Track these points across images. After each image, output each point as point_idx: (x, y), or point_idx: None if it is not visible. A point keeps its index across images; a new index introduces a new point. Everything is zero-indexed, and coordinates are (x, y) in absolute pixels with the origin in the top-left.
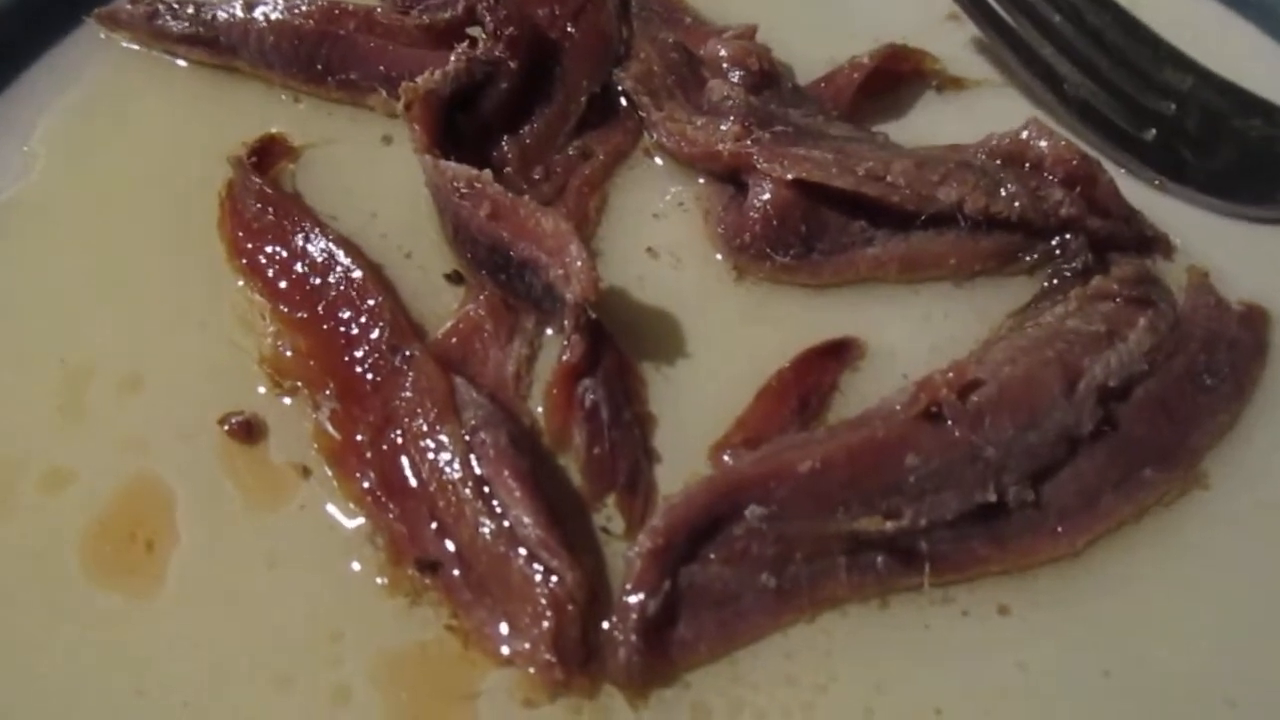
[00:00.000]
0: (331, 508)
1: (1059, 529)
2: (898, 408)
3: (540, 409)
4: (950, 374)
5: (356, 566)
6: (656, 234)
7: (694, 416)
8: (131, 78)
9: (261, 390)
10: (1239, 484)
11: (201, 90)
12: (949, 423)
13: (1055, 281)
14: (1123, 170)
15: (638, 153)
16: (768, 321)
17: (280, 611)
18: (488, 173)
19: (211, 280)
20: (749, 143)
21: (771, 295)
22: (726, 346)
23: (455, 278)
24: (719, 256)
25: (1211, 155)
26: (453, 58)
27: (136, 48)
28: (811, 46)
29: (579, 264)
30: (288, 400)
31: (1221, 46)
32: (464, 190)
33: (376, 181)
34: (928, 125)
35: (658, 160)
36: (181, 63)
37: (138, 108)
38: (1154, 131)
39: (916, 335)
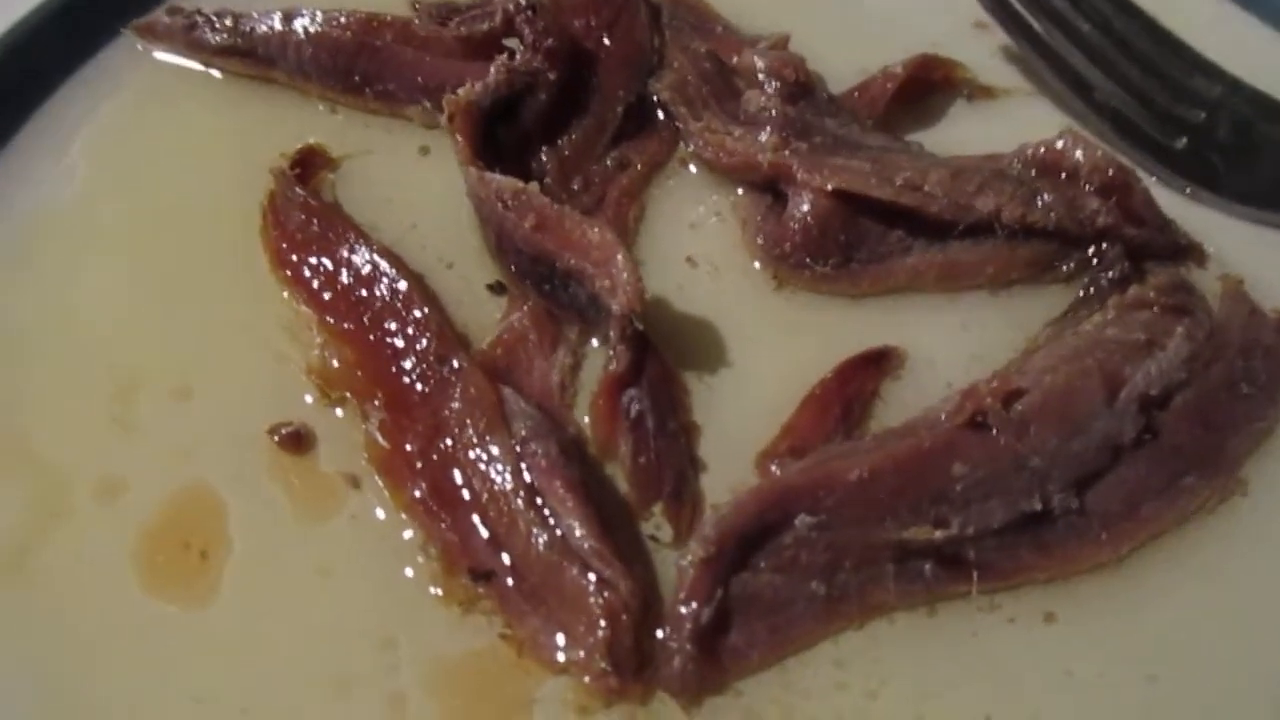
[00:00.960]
0: (382, 517)
1: (1103, 536)
2: (943, 417)
3: (585, 419)
4: (994, 383)
5: (409, 575)
6: (695, 243)
7: (737, 425)
8: (169, 89)
9: (309, 400)
10: (1276, 490)
11: (239, 101)
12: (994, 431)
13: (1092, 290)
14: (1154, 179)
15: (673, 163)
16: (807, 330)
17: (334, 619)
18: (534, 185)
19: (255, 291)
20: (788, 153)
21: (810, 304)
22: (767, 355)
23: (498, 288)
24: (757, 266)
25: (1242, 163)
26: (493, 69)
27: (174, 59)
28: (842, 55)
29: (625, 275)
30: (337, 410)
31: (1249, 55)
32: (509, 202)
33: (415, 192)
34: (959, 134)
35: (693, 169)
36: (217, 74)
37: (176, 119)
38: (1184, 140)
39: (955, 344)
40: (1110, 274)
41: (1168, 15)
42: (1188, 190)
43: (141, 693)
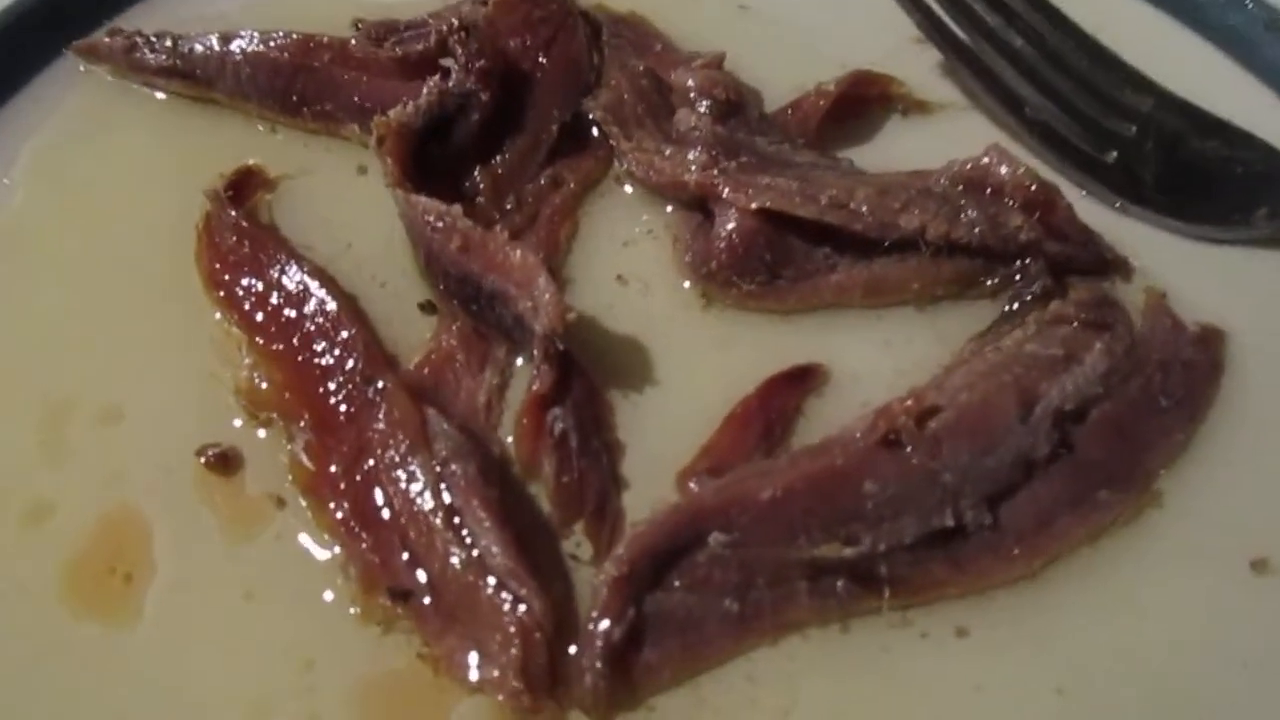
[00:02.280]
0: (306, 538)
1: (1016, 551)
2: (857, 435)
3: (510, 438)
4: (909, 401)
5: (330, 596)
6: (626, 261)
7: (662, 443)
8: (111, 109)
9: (238, 422)
10: (1193, 503)
11: (180, 121)
12: (907, 449)
13: (1016, 305)
14: (1084, 192)
15: (609, 180)
16: (735, 347)
17: (255, 641)
18: (458, 207)
19: (189, 312)
20: (715, 172)
21: (738, 321)
22: (694, 373)
23: (429, 307)
24: (687, 284)
25: (1171, 177)
26: (425, 91)
27: (116, 79)
28: (780, 72)
29: (547, 296)
30: (264, 432)
31: (1182, 68)
32: (435, 223)
33: (352, 212)
34: (894, 149)
35: (628, 188)
36: (160, 95)
37: (117, 139)
38: (1115, 153)
39: (880, 359)
40: (1033, 289)
41: (1103, 28)
42: (1117, 204)
43: (64, 715)
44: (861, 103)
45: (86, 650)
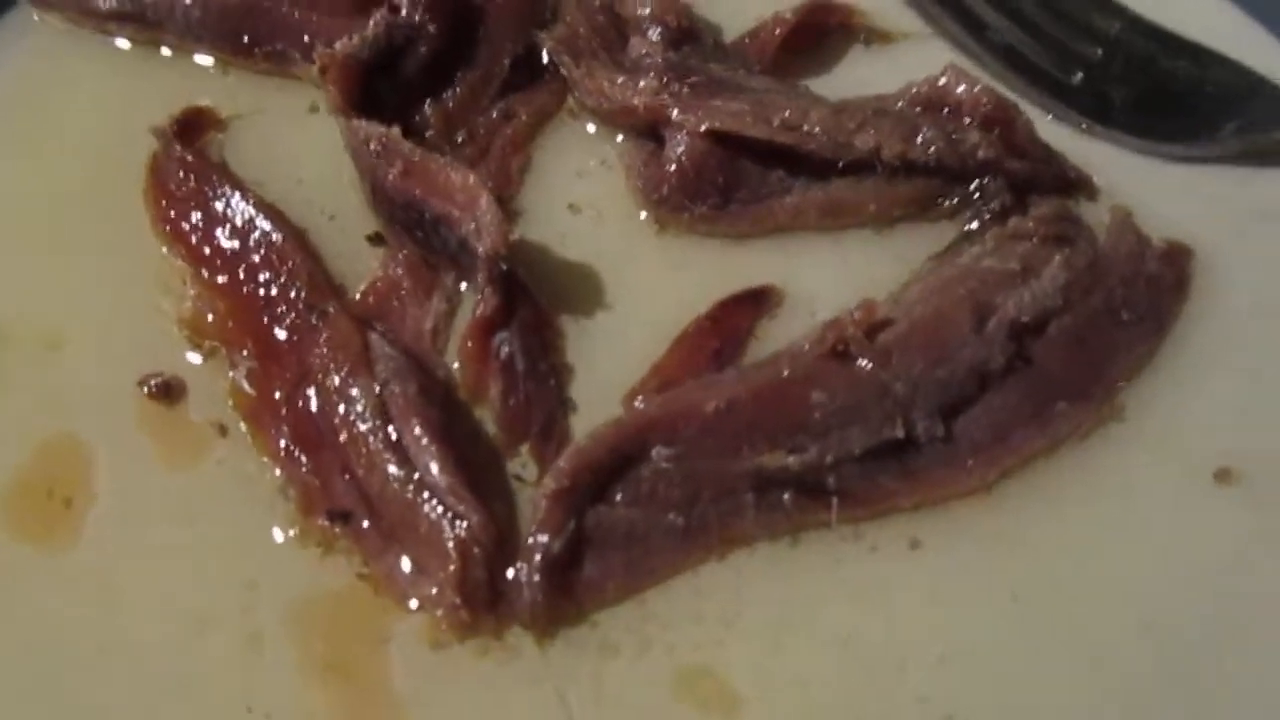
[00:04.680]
0: (248, 464)
1: (970, 462)
2: (806, 347)
3: (457, 364)
4: (858, 313)
5: (270, 520)
6: (580, 192)
7: (613, 367)
8: (64, 57)
9: (182, 353)
10: (1154, 415)
11: (133, 66)
12: (857, 361)
13: (976, 224)
14: (1049, 115)
15: (563, 114)
16: (688, 272)
17: (195, 563)
18: (396, 129)
19: (136, 247)
20: (665, 96)
21: (692, 247)
22: (647, 298)
23: (376, 239)
24: (642, 213)
25: (1138, 97)
26: (371, 22)
27: (69, 28)
28: (739, 3)
29: (489, 217)
30: (206, 361)
31: None
32: (376, 148)
33: (303, 149)
34: (856, 78)
35: (589, 126)
36: (120, 42)
37: (70, 85)
38: (1080, 75)
39: (837, 281)
40: (992, 207)
41: None
42: (1083, 125)
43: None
44: (822, 32)
45: (22, 569)
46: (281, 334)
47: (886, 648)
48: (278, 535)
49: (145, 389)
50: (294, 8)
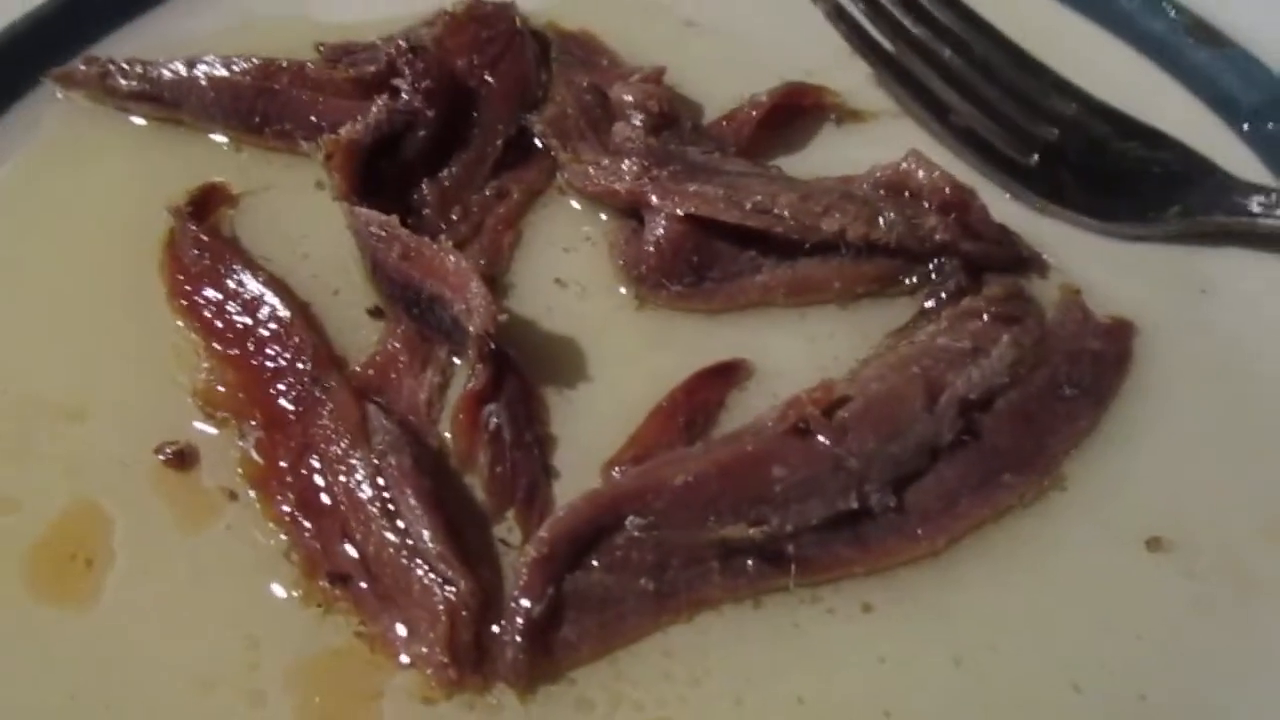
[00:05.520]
0: (254, 529)
1: (919, 531)
2: (769, 424)
3: (450, 433)
4: (817, 392)
5: (275, 582)
6: (566, 267)
7: (593, 436)
8: (85, 132)
9: (195, 422)
10: (1095, 485)
11: (151, 142)
12: (816, 437)
13: (933, 302)
14: (1007, 195)
15: (552, 191)
16: (666, 346)
17: (203, 623)
18: (395, 217)
19: (152, 321)
20: (645, 181)
21: (670, 322)
22: (627, 370)
23: (376, 313)
24: (622, 288)
25: (1091, 178)
26: (372, 110)
27: (90, 105)
28: (723, 85)
29: (479, 299)
30: (218, 430)
31: (1106, 73)
32: (378, 233)
33: (309, 224)
34: (828, 156)
35: (574, 203)
36: (136, 119)
37: (91, 159)
38: (1037, 157)
39: (803, 355)
40: (948, 286)
41: (1029, 36)
42: (1039, 205)
43: (21, 688)
44: (796, 112)
45: (46, 630)
46: (287, 405)
47: (838, 707)
48: (281, 595)
49: (161, 456)
50: (302, 91)
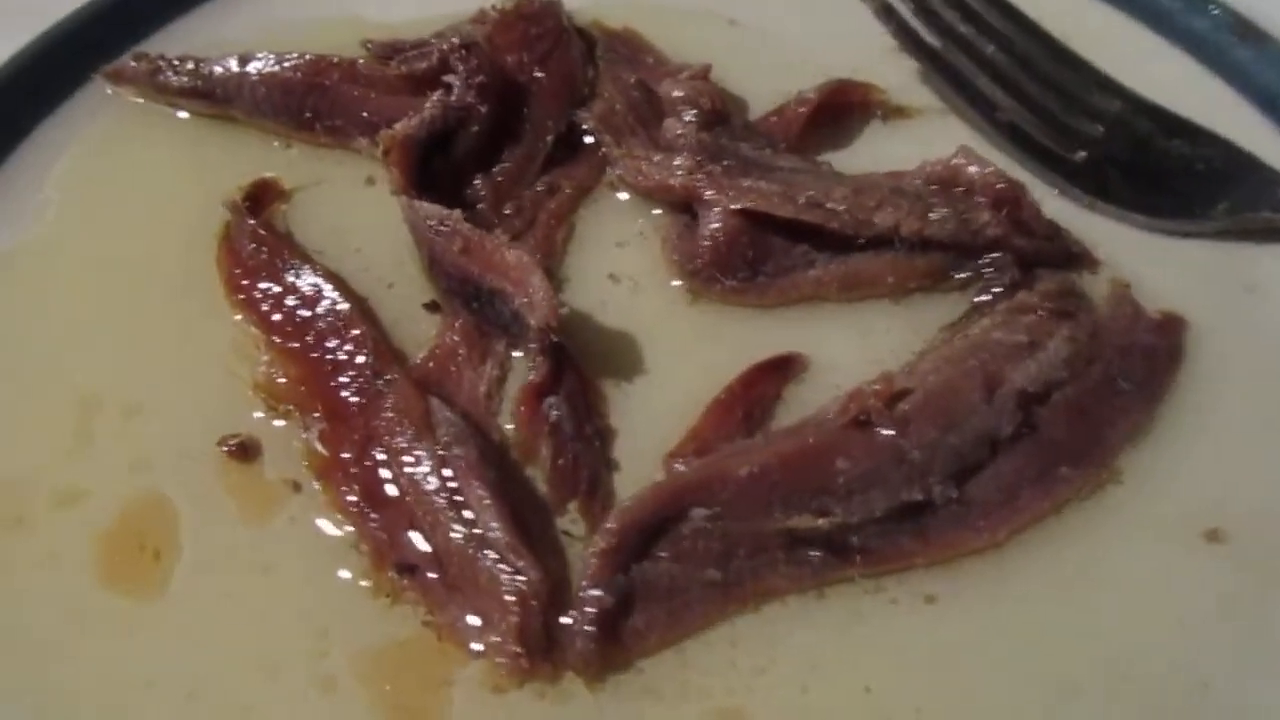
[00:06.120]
0: (319, 519)
1: (981, 523)
2: (830, 416)
3: (510, 425)
4: (878, 384)
5: (343, 572)
6: (619, 261)
7: (651, 429)
8: (136, 129)
9: (256, 414)
10: (1150, 478)
11: (200, 138)
12: (877, 429)
13: (985, 296)
14: (1055, 190)
15: (603, 186)
16: (719, 340)
17: (273, 612)
18: (458, 212)
19: (210, 315)
20: (699, 176)
21: (723, 316)
22: (681, 364)
23: (433, 306)
24: (675, 282)
25: (1137, 175)
26: (427, 105)
27: (140, 101)
28: (767, 82)
29: (541, 293)
30: (280, 422)
31: (1150, 71)
32: (438, 227)
33: (361, 219)
34: (874, 152)
35: (621, 194)
36: (182, 114)
37: (142, 156)
38: (1083, 153)
39: (856, 349)
40: (1001, 281)
41: (1073, 35)
42: (1086, 201)
43: (98, 679)
44: (843, 109)
45: (119, 619)
46: (349, 399)
47: (903, 696)
48: (348, 586)
49: (224, 448)
50: (353, 87)
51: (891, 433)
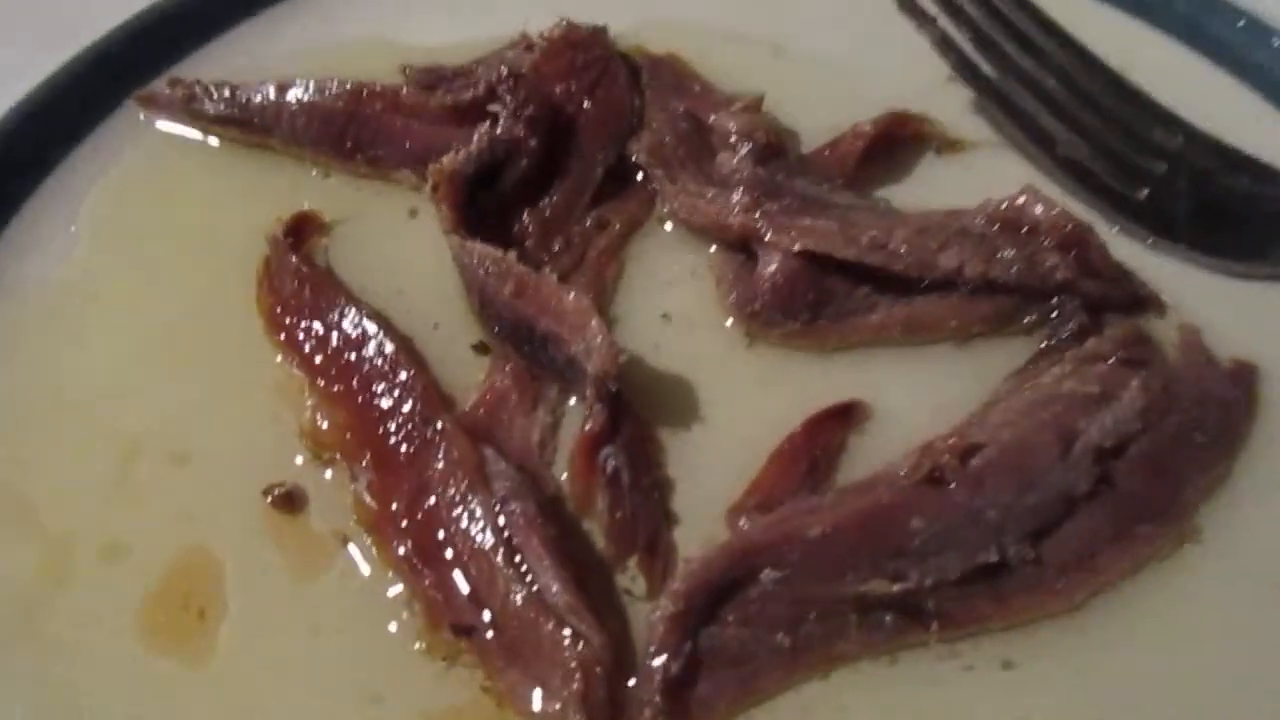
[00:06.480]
0: (370, 574)
1: (1059, 585)
2: (901, 473)
3: (564, 475)
4: (951, 439)
5: (394, 630)
6: (670, 301)
7: (710, 479)
8: (169, 157)
9: (300, 461)
10: (1230, 535)
11: (236, 167)
12: (951, 486)
13: (1052, 343)
14: (1115, 229)
15: (652, 221)
16: (778, 385)
17: (324, 675)
18: (513, 254)
19: (251, 355)
20: (757, 214)
21: (781, 360)
22: (739, 410)
23: (481, 348)
24: (729, 322)
25: (1201, 213)
26: (475, 138)
27: (173, 128)
28: (815, 113)
29: (599, 340)
30: (328, 472)
31: (1211, 105)
32: (490, 268)
33: (404, 254)
34: (928, 187)
35: (669, 227)
36: (215, 142)
37: (176, 186)
38: (1146, 191)
39: (920, 396)
40: (1069, 326)
41: (1132, 67)
42: (1149, 240)
43: None
44: (896, 142)
45: (163, 685)
46: (398, 447)
47: None
48: (401, 647)
49: (269, 498)
50: (396, 116)
51: (966, 491)
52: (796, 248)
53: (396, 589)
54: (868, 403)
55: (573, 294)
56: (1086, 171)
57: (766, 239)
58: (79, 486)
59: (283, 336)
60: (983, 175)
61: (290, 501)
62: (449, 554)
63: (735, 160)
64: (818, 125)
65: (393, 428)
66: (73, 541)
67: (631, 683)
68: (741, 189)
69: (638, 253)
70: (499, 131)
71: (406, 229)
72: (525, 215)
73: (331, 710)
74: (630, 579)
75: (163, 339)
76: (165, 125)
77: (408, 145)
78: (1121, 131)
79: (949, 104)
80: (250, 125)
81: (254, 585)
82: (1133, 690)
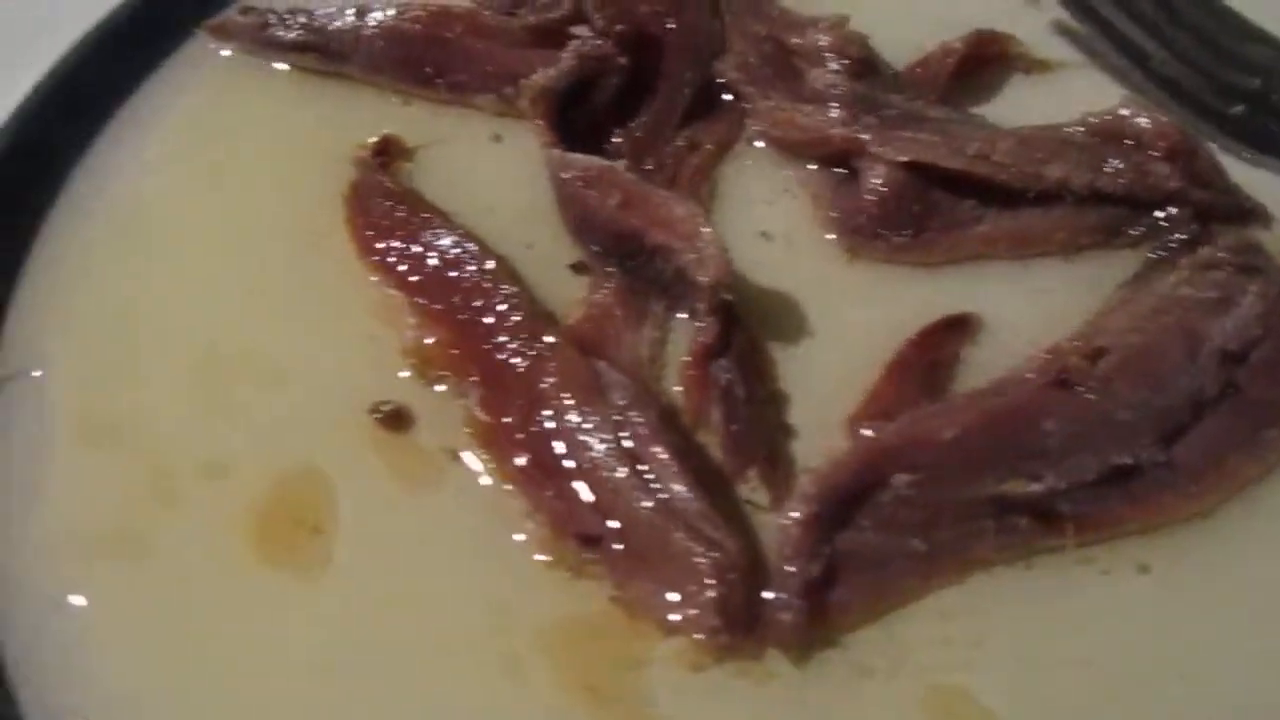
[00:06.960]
0: (485, 489)
1: (1191, 489)
2: (1029, 375)
3: (675, 389)
4: (1079, 342)
5: (517, 542)
6: (767, 219)
7: (821, 393)
8: (243, 86)
9: (403, 377)
10: None
11: (311, 95)
12: (1080, 388)
13: (1162, 253)
14: (1213, 145)
15: (740, 142)
16: (883, 300)
17: (444, 586)
18: (620, 163)
19: (345, 277)
20: (858, 128)
21: (885, 275)
22: (846, 326)
23: (580, 268)
24: (830, 238)
25: None
26: (565, 55)
27: (243, 56)
28: (896, 35)
29: (711, 248)
30: (439, 387)
31: None
32: (592, 181)
33: (490, 178)
34: (1017, 107)
35: (759, 146)
36: (282, 67)
37: (251, 114)
38: (1242, 106)
39: (1030, 308)
40: (1180, 237)
41: None
42: (1247, 155)
43: (261, 661)
44: (981, 62)
45: (281, 598)
46: (508, 362)
47: (1129, 671)
48: (524, 558)
49: (375, 417)
50: (477, 39)
51: (1096, 393)
52: (901, 159)
53: (514, 502)
54: (979, 315)
55: (683, 203)
56: (1180, 88)
57: (870, 151)
58: (175, 408)
59: (376, 258)
60: (1072, 95)
61: (398, 419)
62: (569, 465)
63: (830, 75)
64: (898, 48)
65: (500, 342)
66: (175, 461)
67: (765, 591)
68: (838, 104)
69: (729, 173)
70: (589, 48)
71: (491, 153)
72: (616, 136)
73: (456, 619)
74: (752, 489)
75: (253, 264)
76: (237, 54)
77: (489, 69)
78: (1214, 49)
79: (1030, 25)
80: (327, 52)
81: (367, 501)
82: (1267, 594)
